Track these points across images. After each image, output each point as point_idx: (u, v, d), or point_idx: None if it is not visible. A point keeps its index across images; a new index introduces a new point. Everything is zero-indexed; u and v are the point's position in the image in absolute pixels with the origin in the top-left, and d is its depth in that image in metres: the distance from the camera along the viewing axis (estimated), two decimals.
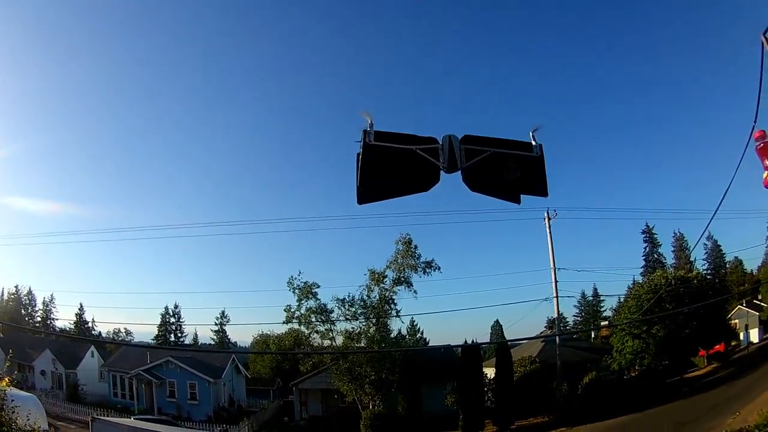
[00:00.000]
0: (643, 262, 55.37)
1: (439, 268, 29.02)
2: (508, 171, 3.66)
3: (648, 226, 56.82)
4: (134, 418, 27.74)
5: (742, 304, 43.63)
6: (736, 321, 41.76)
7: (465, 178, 3.64)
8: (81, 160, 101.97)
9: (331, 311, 29.46)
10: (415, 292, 29.26)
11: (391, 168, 3.45)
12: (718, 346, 36.65)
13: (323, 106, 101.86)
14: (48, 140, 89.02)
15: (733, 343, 39.72)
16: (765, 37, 8.39)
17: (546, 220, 30.15)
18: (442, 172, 3.54)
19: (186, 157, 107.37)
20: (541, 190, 3.78)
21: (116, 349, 46.68)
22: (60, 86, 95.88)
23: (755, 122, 8.53)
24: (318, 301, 29.35)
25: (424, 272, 28.84)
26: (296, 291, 29.29)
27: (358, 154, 3.41)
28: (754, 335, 42.95)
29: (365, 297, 29.55)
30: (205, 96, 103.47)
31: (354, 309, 29.37)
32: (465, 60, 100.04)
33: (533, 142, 3.72)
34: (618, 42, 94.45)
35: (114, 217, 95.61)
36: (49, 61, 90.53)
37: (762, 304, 43.96)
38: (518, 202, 3.92)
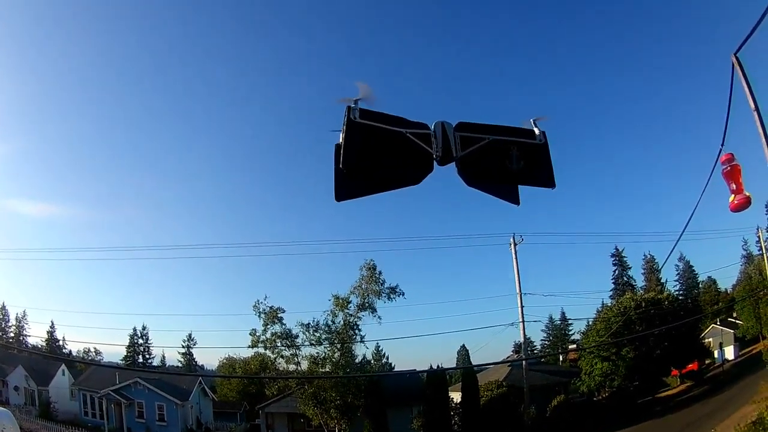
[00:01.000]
0: (613, 285, 55.15)
1: (403, 294, 28.91)
2: (510, 160, 3.23)
3: (617, 249, 56.94)
4: None
5: (716, 323, 43.80)
6: (710, 339, 41.85)
7: (461, 169, 3.17)
8: (54, 165, 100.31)
9: (296, 336, 29.25)
10: (379, 317, 29.10)
11: (378, 153, 2.97)
12: (691, 365, 36.79)
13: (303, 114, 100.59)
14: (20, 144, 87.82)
15: (707, 361, 39.84)
16: (736, 58, 8.22)
17: (512, 245, 30.11)
18: (435, 164, 3.08)
19: (156, 175, 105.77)
20: (547, 180, 3.34)
21: (87, 368, 46.38)
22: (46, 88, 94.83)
23: (722, 145, 8.40)
24: (283, 326, 29.12)
25: (389, 298, 28.69)
26: (262, 315, 29.02)
27: (337, 145, 2.94)
28: (730, 352, 43.14)
29: (330, 322, 29.38)
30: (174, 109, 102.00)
31: (318, 334, 29.13)
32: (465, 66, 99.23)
33: (536, 130, 3.31)
34: (583, 58, 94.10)
35: (90, 221, 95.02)
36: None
37: (737, 321, 44.11)
38: (517, 202, 3.43)
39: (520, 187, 3.43)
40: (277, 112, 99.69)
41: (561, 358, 44.89)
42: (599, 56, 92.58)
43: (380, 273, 28.68)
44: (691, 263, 57.05)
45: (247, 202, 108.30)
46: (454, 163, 3.12)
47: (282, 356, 29.57)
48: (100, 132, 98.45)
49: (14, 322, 59.54)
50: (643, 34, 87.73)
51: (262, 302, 28.81)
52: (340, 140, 2.91)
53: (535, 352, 51.26)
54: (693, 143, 78.08)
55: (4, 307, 61.76)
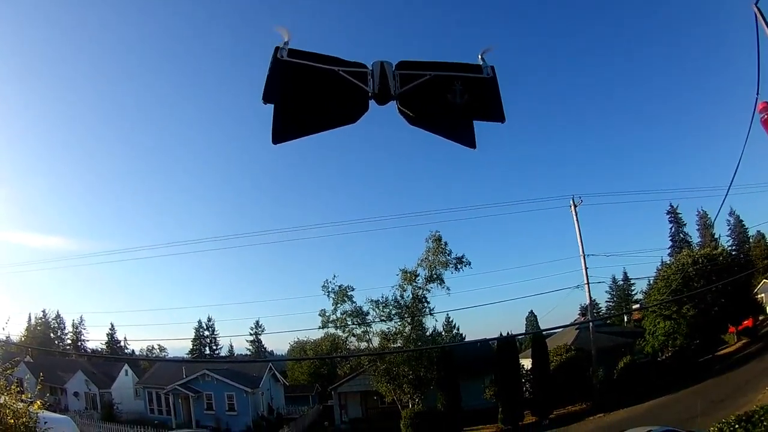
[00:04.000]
0: (670, 243, 55.16)
1: (469, 264, 29.29)
2: (453, 94, 3.12)
3: (672, 206, 56.91)
4: None
5: (767, 278, 43.66)
6: (762, 295, 41.82)
7: (401, 106, 3.08)
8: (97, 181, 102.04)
9: (367, 313, 29.69)
10: (447, 288, 29.51)
11: (309, 93, 2.94)
12: (746, 322, 36.77)
13: None
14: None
15: (761, 318, 39.83)
16: (757, 8, 8.34)
17: (572, 207, 30.32)
18: (372, 103, 3.02)
19: (207, 169, 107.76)
20: (496, 114, 3.22)
21: (150, 365, 47.03)
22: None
23: (758, 94, 8.45)
24: (353, 304, 29.62)
25: (456, 268, 29.08)
26: (331, 295, 29.56)
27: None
28: None
29: (398, 297, 29.79)
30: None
31: (388, 310, 29.60)
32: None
33: (483, 63, 3.17)
34: (632, 22, 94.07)
35: (137, 234, 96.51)
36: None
37: None
38: (473, 144, 3.28)
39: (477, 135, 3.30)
40: None
41: (625, 319, 45.01)
42: (627, 21, 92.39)
43: (446, 244, 29.03)
44: (741, 218, 56.41)
45: (308, 183, 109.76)
46: (393, 102, 3.06)
47: (353, 334, 30.06)
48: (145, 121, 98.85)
49: (71, 329, 60.61)
50: None
51: (331, 281, 29.31)
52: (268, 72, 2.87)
53: (601, 313, 51.33)
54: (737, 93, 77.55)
55: (59, 315, 62.91)
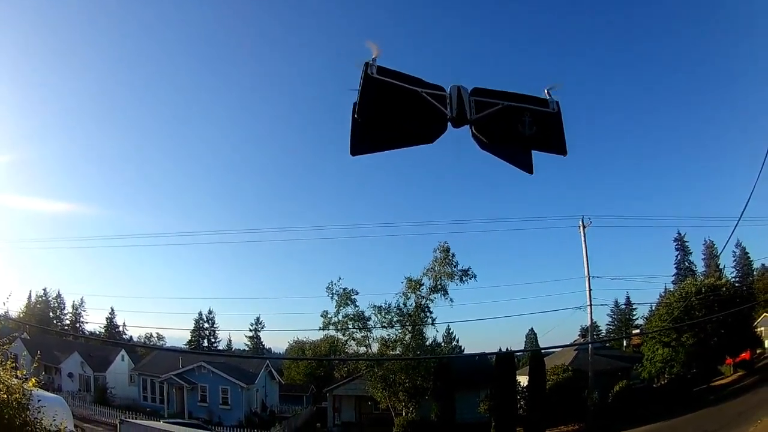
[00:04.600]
0: (675, 270, 56.02)
1: (475, 277, 29.34)
2: (523, 125, 3.32)
3: (680, 233, 57.52)
4: (164, 422, 27.67)
5: (767, 312, 43.65)
6: (762, 329, 41.75)
7: (475, 132, 3.26)
8: (110, 162, 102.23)
9: (369, 318, 29.76)
10: (451, 300, 29.57)
11: (393, 110, 3.04)
12: (743, 354, 36.76)
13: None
14: (72, 141, 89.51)
15: (758, 351, 39.82)
16: None
17: (581, 228, 30.38)
18: (449, 126, 3.16)
19: (219, 162, 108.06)
20: (559, 146, 3.42)
21: (147, 353, 47.11)
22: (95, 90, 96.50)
23: None
24: (356, 308, 29.69)
25: (461, 280, 29.17)
26: (335, 297, 29.64)
27: (354, 104, 2.98)
28: None
29: (402, 304, 29.85)
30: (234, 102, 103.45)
31: (390, 316, 29.65)
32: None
33: (549, 98, 3.38)
34: (644, 46, 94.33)
35: (146, 220, 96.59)
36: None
37: None
38: (531, 170, 3.49)
39: (534, 161, 3.50)
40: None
41: (625, 343, 45.06)
42: (654, 43, 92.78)
43: (453, 255, 29.11)
44: (746, 250, 56.39)
45: (318, 186, 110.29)
46: (468, 126, 3.22)
47: (353, 338, 30.12)
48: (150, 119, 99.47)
49: (71, 310, 60.66)
50: (699, 22, 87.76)
51: (335, 284, 29.40)
52: (357, 97, 2.98)
53: (601, 336, 51.44)
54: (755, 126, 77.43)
55: (59, 295, 62.97)
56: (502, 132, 3.32)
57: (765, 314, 43.36)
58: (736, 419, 25.45)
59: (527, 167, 3.50)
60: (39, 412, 9.55)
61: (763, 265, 53.53)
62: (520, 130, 3.32)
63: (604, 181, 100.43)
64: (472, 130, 3.25)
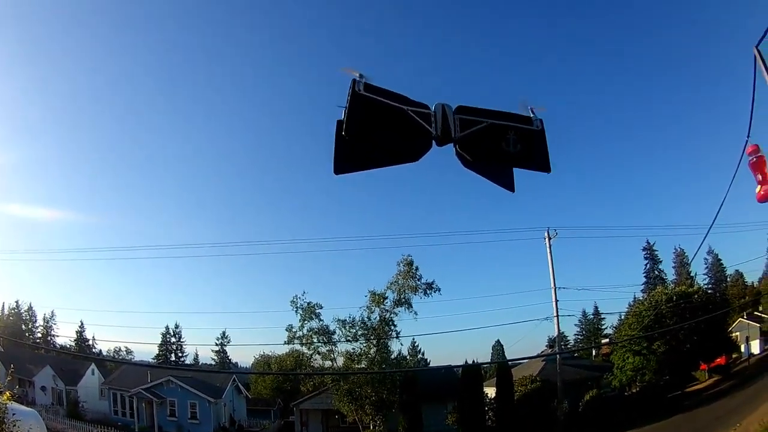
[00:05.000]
0: (644, 279, 55.30)
1: (439, 290, 29.14)
2: (507, 143, 3.34)
3: (649, 243, 56.94)
4: None
5: (743, 317, 43.68)
6: (737, 334, 41.77)
7: (459, 150, 3.27)
8: (82, 169, 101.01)
9: (333, 332, 29.46)
10: (415, 313, 29.34)
11: (379, 127, 3.02)
12: (719, 359, 36.67)
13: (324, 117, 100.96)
14: (47, 148, 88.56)
15: (734, 356, 39.76)
16: (758, 50, 8.33)
17: (547, 239, 30.17)
18: (434, 143, 3.19)
19: (185, 174, 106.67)
20: (543, 164, 3.46)
21: (117, 367, 46.63)
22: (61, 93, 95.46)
23: (748, 136, 8.50)
24: (321, 322, 29.39)
25: (425, 294, 28.93)
26: (299, 311, 29.34)
27: (339, 121, 2.98)
28: (755, 347, 42.97)
29: (366, 318, 29.57)
30: (199, 110, 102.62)
31: (355, 330, 29.38)
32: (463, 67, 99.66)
33: (533, 116, 3.43)
34: (615, 57, 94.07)
35: (115, 225, 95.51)
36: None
37: (763, 315, 43.99)
38: (512, 188, 3.51)
39: (516, 180, 3.53)
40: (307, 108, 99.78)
41: (594, 353, 44.94)
42: (621, 53, 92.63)
43: (417, 269, 28.84)
44: (719, 256, 56.86)
45: (282, 199, 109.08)
46: (452, 144, 3.23)
47: (318, 352, 29.82)
48: (120, 130, 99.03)
49: (42, 323, 60.12)
50: (669, 30, 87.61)
51: (300, 297, 29.10)
52: (343, 115, 2.97)
53: (569, 346, 51.38)
54: (722, 135, 77.63)
55: (31, 308, 62.52)
56: (486, 150, 3.33)
57: (740, 319, 43.39)
58: (713, 423, 25.27)
59: (509, 186, 3.52)
60: (14, 426, 9.52)
61: (737, 271, 53.91)
62: (505, 147, 3.34)
63: (570, 192, 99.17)
64: (456, 149, 3.27)
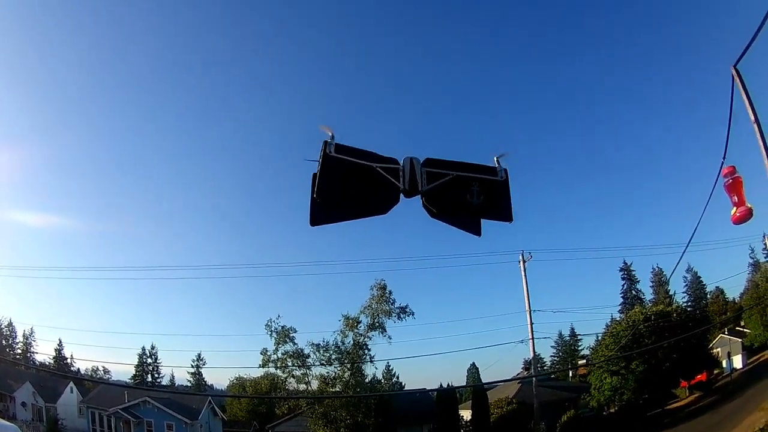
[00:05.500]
0: (622, 300, 54.71)
1: (413, 314, 28.92)
2: (471, 195, 3.45)
3: (626, 263, 56.73)
4: None
5: (724, 333, 43.71)
6: (718, 350, 41.78)
7: (426, 202, 3.40)
8: (60, 178, 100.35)
9: (308, 356, 29.25)
10: (389, 337, 29.15)
11: (349, 184, 3.20)
12: (700, 376, 36.66)
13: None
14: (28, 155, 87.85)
15: (716, 371, 39.77)
16: (736, 70, 8.24)
17: (521, 262, 30.06)
18: (402, 196, 3.32)
19: (165, 197, 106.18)
20: (505, 214, 3.56)
21: (95, 386, 46.34)
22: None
23: (723, 158, 8.51)
24: (295, 346, 29.15)
25: (399, 318, 28.70)
26: (274, 334, 29.06)
27: (314, 174, 3.15)
28: (738, 361, 43.04)
29: (340, 342, 29.38)
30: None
31: (329, 354, 29.14)
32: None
33: (498, 166, 3.53)
34: (590, 74, 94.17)
35: (98, 245, 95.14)
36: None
37: (745, 330, 44.02)
38: (479, 233, 3.62)
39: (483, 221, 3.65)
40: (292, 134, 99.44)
41: (571, 374, 44.82)
42: (599, 72, 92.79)
43: (390, 293, 28.69)
44: (698, 274, 56.86)
45: (258, 223, 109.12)
46: (419, 196, 3.37)
47: (293, 376, 29.58)
48: (106, 146, 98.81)
49: (21, 339, 59.77)
50: (648, 46, 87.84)
51: (274, 321, 28.88)
52: (317, 170, 3.15)
53: (545, 368, 51.02)
54: (698, 154, 77.95)
55: (11, 323, 62.10)
56: (450, 202, 3.45)
57: (721, 335, 43.41)
58: None
59: (476, 231, 3.60)
60: None
61: (717, 287, 53.84)
62: (468, 199, 3.45)
63: (545, 214, 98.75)
64: (422, 201, 3.39)
